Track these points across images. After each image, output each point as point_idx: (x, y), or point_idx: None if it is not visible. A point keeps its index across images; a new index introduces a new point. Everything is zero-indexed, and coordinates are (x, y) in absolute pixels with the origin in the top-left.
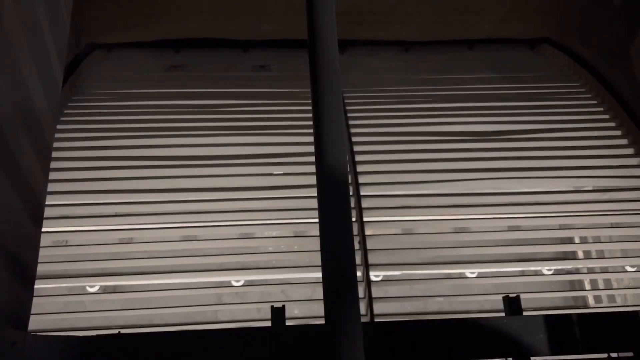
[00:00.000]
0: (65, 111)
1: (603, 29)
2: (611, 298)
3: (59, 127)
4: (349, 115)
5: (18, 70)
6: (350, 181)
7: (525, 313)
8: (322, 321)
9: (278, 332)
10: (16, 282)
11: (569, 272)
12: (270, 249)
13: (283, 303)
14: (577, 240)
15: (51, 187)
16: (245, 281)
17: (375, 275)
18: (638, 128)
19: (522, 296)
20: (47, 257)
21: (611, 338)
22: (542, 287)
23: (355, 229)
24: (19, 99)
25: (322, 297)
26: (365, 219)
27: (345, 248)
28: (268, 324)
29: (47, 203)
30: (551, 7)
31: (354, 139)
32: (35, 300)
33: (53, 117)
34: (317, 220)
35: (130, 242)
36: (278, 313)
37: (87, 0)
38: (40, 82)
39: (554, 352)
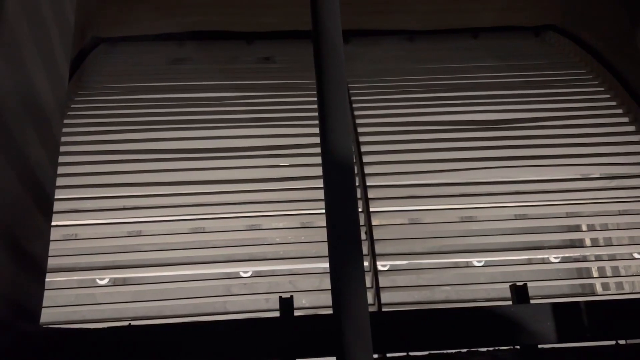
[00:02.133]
0: (72, 105)
1: (608, 15)
2: (619, 285)
3: (65, 121)
4: (354, 105)
5: (24, 66)
6: (356, 172)
7: (532, 301)
8: (330, 311)
9: (286, 322)
10: (27, 276)
11: (576, 260)
12: (278, 240)
13: (291, 293)
14: (584, 228)
15: (60, 181)
16: (254, 272)
17: (382, 264)
18: None
19: (529, 284)
20: (57, 250)
21: (619, 325)
22: (550, 275)
23: (362, 219)
24: (25, 94)
25: (329, 287)
26: (371, 209)
27: (352, 238)
28: (276, 314)
29: (56, 197)
30: None
31: (360, 129)
32: (46, 293)
33: (60, 111)
34: (323, 211)
35: (139, 234)
36: (286, 303)
37: None
38: (46, 77)
39: (561, 340)
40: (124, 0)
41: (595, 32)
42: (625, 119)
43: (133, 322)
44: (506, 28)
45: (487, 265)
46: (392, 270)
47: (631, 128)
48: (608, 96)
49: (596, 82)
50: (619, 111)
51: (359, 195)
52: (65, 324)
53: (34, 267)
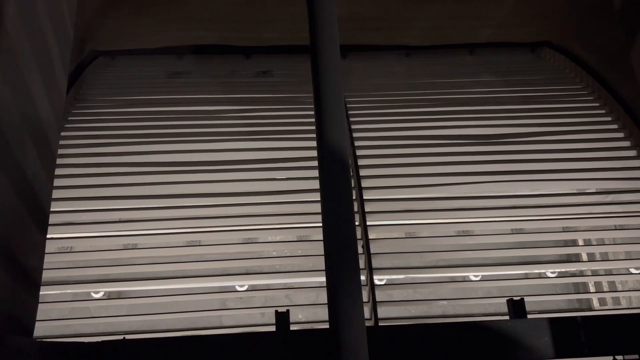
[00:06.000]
0: (69, 118)
1: (603, 32)
2: (616, 300)
3: (63, 134)
4: (351, 119)
5: (23, 78)
6: (353, 185)
7: (529, 316)
8: (326, 325)
9: (282, 336)
10: (21, 289)
11: (573, 275)
12: (274, 254)
13: (287, 308)
14: (580, 242)
15: (55, 193)
16: (249, 286)
17: (379, 279)
18: None
19: (526, 299)
20: (52, 263)
21: (616, 340)
22: (546, 289)
23: (359, 233)
24: (23, 106)
25: (326, 302)
26: (368, 223)
27: (348, 252)
28: (272, 328)
29: (51, 210)
30: (551, 11)
31: (357, 143)
32: (40, 306)
33: (57, 124)
34: (320, 224)
35: (134, 248)
36: (282, 318)
37: (90, 8)
38: (44, 89)
39: (558, 355)
40: (123, 14)
41: (590, 48)
42: (621, 134)
43: (127, 336)
44: (502, 44)
45: (484, 279)
46: (389, 284)
47: (626, 143)
48: (603, 111)
49: (591, 98)
50: (614, 126)
51: (355, 209)
52: (59, 338)
53: (28, 280)
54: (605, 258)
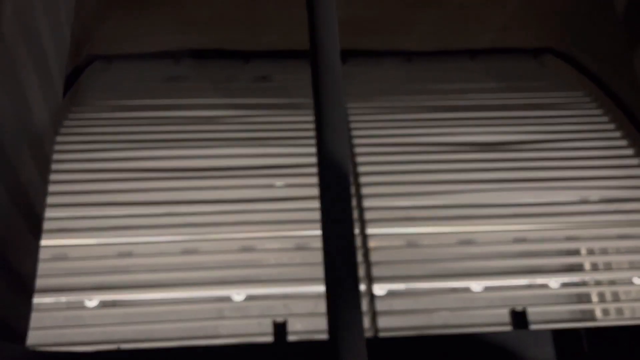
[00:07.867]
0: (65, 123)
1: (607, 38)
2: (619, 311)
3: (58, 138)
4: (351, 125)
5: (18, 83)
6: (353, 192)
7: (531, 327)
8: (325, 336)
9: (280, 347)
10: (15, 297)
11: (576, 285)
12: (272, 262)
13: (285, 318)
14: (583, 252)
15: (50, 199)
16: (247, 295)
17: (379, 288)
18: None
19: (528, 309)
20: (46, 270)
21: (620, 351)
22: (549, 300)
23: (359, 241)
24: (19, 110)
25: (324, 311)
26: (368, 231)
27: (348, 261)
28: (270, 339)
29: (46, 216)
30: (554, 16)
31: (357, 149)
32: (33, 314)
33: (53, 129)
34: (319, 232)
35: (129, 255)
36: (280, 328)
37: (87, 11)
38: (40, 94)
39: None
40: (120, 17)
41: (593, 55)
42: (624, 142)
43: (122, 346)
44: (504, 50)
45: (486, 289)
46: (389, 294)
47: (629, 151)
48: (606, 119)
49: (594, 105)
50: (617, 134)
51: (355, 217)
52: (53, 346)
53: (22, 288)
54: (608, 268)
